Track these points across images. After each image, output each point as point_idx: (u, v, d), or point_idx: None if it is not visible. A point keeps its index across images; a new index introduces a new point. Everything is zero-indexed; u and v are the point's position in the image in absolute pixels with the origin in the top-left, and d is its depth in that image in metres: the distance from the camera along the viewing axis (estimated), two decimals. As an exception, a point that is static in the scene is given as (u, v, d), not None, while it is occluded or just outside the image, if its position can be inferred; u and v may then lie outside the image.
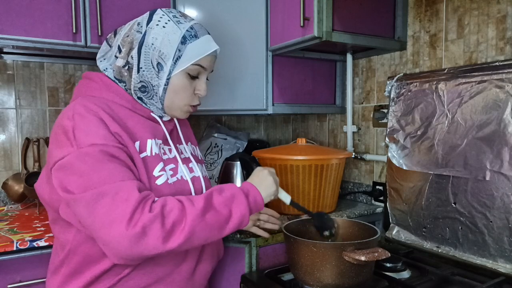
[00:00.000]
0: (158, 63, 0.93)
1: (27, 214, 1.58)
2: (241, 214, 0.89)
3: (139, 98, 0.96)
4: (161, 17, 0.94)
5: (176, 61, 0.93)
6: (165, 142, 1.00)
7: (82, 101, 0.89)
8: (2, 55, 1.68)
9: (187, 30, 0.94)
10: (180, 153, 1.04)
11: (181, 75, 0.95)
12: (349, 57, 1.77)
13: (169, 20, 0.94)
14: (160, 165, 0.93)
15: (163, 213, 0.79)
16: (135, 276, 0.91)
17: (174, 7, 1.66)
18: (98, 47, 1.51)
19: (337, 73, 1.91)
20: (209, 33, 1.00)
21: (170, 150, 1.00)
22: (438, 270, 1.20)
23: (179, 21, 0.95)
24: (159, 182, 0.91)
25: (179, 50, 0.93)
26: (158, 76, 0.93)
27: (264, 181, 0.98)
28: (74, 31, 1.46)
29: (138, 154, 0.89)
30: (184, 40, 0.93)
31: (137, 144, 0.90)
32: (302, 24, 1.41)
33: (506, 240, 1.16)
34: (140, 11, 1.04)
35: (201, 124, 2.16)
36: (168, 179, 0.93)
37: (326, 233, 1.17)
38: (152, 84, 0.94)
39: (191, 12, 1.68)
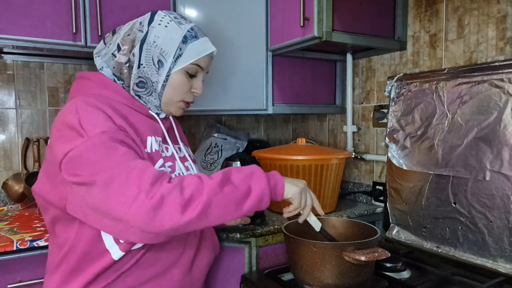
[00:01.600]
0: (159, 60, 0.96)
1: (27, 214, 1.58)
2: (261, 191, 0.87)
3: (137, 95, 0.99)
4: (163, 17, 0.99)
5: (176, 59, 0.97)
6: (164, 140, 1.03)
7: (82, 98, 0.89)
8: (2, 55, 1.68)
9: (188, 31, 0.99)
10: (177, 151, 1.07)
11: (180, 73, 0.99)
12: (349, 57, 1.77)
13: (171, 20, 0.99)
14: (160, 161, 0.96)
15: (182, 185, 0.80)
16: (134, 271, 0.92)
17: (174, 7, 1.66)
18: (98, 47, 1.53)
19: (337, 73, 1.91)
20: (206, 35, 1.05)
21: (167, 148, 1.03)
22: (438, 270, 1.20)
23: (180, 22, 1.00)
24: None
25: (180, 49, 0.97)
26: (158, 73, 0.97)
27: (294, 180, 0.98)
28: (74, 31, 1.46)
29: (144, 148, 0.92)
30: (185, 40, 0.98)
31: (138, 140, 0.92)
32: (302, 24, 1.41)
33: (506, 240, 1.16)
34: (140, 12, 1.06)
35: (201, 124, 2.16)
36: None
37: None
38: (151, 80, 0.97)
39: (191, 12, 1.68)
